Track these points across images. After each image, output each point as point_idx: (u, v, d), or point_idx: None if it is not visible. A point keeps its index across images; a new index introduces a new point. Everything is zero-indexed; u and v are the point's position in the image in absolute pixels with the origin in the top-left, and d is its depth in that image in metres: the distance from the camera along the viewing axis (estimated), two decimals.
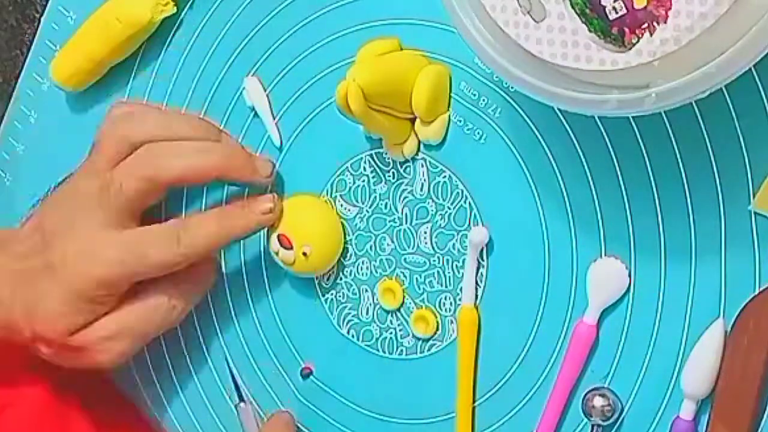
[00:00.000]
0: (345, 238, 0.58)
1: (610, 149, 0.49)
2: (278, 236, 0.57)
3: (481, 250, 0.53)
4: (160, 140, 0.57)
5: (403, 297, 0.56)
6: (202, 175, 0.57)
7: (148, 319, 0.58)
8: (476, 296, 0.54)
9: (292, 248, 0.56)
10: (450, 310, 0.55)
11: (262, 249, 0.61)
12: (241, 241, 0.61)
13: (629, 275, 0.49)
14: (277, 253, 0.57)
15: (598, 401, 0.50)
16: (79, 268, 0.56)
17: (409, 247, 0.56)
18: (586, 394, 0.50)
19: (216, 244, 0.57)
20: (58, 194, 0.60)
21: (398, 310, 0.56)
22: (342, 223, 0.57)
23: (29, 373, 0.62)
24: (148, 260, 0.56)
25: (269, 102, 0.59)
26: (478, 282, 0.53)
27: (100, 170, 0.57)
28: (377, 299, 0.57)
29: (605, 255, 0.50)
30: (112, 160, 0.57)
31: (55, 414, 0.63)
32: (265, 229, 0.58)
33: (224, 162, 0.57)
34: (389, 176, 0.56)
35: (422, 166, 0.55)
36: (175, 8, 0.61)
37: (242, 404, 0.61)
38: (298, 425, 0.60)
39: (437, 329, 0.55)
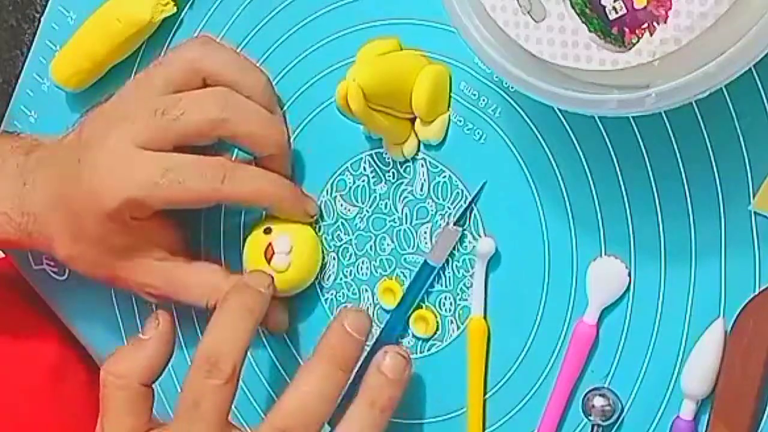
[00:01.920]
0: (345, 238, 0.58)
1: (610, 149, 0.49)
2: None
3: None
4: (230, 85, 0.55)
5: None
6: (261, 145, 0.56)
7: (187, 292, 0.58)
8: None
9: (271, 259, 0.57)
10: (450, 310, 0.55)
11: None
12: (241, 242, 0.60)
13: (629, 275, 0.49)
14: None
15: (598, 401, 0.50)
16: (108, 183, 0.54)
17: (409, 247, 0.56)
18: (586, 394, 0.50)
19: (255, 202, 0.56)
20: (105, 103, 0.58)
21: None
22: (342, 223, 0.58)
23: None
24: (183, 187, 0.54)
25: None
26: None
27: (157, 88, 0.55)
28: (377, 299, 0.57)
29: (605, 255, 0.50)
30: (173, 83, 0.55)
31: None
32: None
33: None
34: (389, 176, 0.56)
35: (422, 166, 0.55)
36: (175, 8, 0.61)
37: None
38: None
39: (437, 329, 0.55)
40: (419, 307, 0.56)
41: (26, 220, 0.57)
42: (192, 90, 0.55)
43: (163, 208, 0.55)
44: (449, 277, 0.54)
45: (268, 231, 0.57)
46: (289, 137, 0.58)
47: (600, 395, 0.50)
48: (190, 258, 0.59)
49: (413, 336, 0.56)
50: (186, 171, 0.54)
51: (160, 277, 0.58)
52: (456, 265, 0.54)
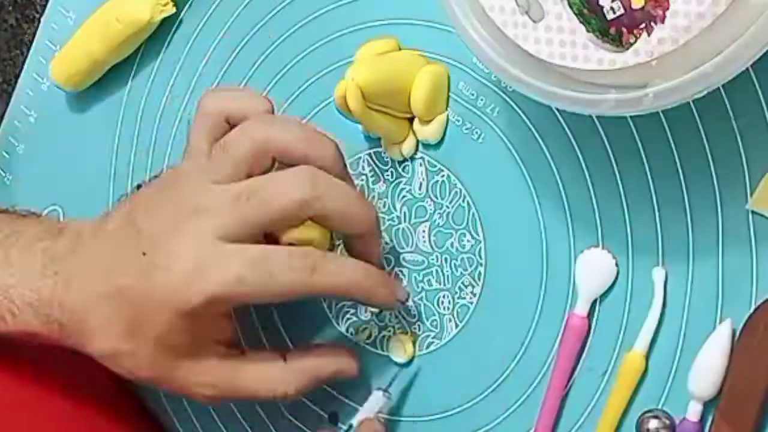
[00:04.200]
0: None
1: (608, 148, 0.49)
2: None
3: (479, 249, 0.53)
4: (302, 160, 0.51)
5: None
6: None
7: (251, 389, 0.53)
8: (478, 299, 0.54)
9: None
10: (448, 308, 0.55)
11: None
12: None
13: (616, 265, 0.49)
14: None
15: (652, 424, 0.48)
16: (191, 279, 0.49)
17: (407, 246, 0.56)
18: (640, 417, 0.49)
19: (346, 294, 0.52)
20: (151, 191, 0.53)
21: None
22: None
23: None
24: (272, 281, 0.50)
25: None
26: (476, 281, 0.54)
27: (227, 175, 0.51)
28: None
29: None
30: (244, 167, 0.51)
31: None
32: None
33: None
34: (388, 175, 0.56)
35: (421, 165, 0.55)
36: (174, 8, 0.61)
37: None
38: (298, 424, 0.60)
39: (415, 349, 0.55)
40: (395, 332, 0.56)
41: (58, 311, 0.52)
42: (262, 172, 0.52)
43: (246, 303, 0.52)
44: (447, 276, 0.54)
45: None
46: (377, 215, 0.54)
47: (653, 417, 0.48)
48: (244, 349, 0.55)
49: (412, 335, 0.56)
50: (274, 264, 0.50)
51: (222, 378, 0.53)
52: (454, 264, 0.54)
